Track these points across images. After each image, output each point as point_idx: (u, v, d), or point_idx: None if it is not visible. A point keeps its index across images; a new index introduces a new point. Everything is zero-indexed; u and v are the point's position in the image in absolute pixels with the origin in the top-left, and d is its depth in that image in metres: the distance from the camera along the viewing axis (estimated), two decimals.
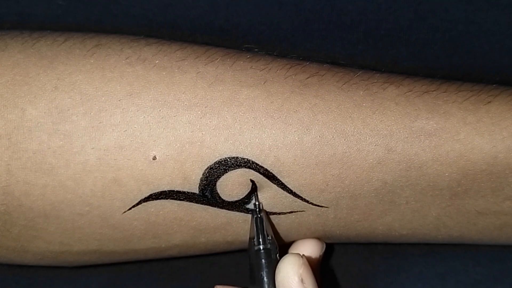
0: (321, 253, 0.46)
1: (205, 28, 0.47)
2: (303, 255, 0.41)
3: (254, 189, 0.42)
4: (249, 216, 0.43)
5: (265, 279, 0.41)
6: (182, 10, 0.46)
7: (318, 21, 0.46)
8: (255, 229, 0.43)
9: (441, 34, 0.46)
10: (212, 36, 0.47)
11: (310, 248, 0.46)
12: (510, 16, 0.46)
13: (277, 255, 0.42)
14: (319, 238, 0.46)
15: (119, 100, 0.41)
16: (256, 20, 0.46)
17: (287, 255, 0.41)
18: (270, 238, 0.43)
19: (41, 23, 0.47)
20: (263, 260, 0.42)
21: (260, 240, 0.42)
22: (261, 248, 0.42)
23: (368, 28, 0.46)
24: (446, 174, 0.42)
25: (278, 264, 0.41)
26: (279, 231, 0.45)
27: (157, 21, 0.47)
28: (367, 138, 0.41)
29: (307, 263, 0.41)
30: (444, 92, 0.43)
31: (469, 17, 0.46)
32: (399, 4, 0.45)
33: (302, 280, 0.40)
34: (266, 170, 0.41)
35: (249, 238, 0.43)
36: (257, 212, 0.43)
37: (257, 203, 0.43)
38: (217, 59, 0.43)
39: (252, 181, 0.42)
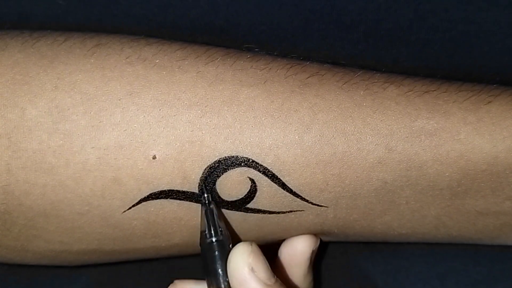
0: (314, 248, 0.46)
1: (205, 28, 0.47)
2: (252, 242, 0.41)
3: (253, 190, 0.42)
4: (249, 215, 0.43)
5: (220, 271, 0.41)
6: (182, 10, 0.46)
7: (318, 21, 0.46)
8: (205, 221, 0.42)
9: (441, 34, 0.46)
10: (212, 36, 0.47)
11: (302, 243, 0.46)
12: (510, 16, 0.46)
13: (230, 245, 0.42)
14: (314, 234, 0.46)
15: (119, 100, 0.41)
16: (256, 20, 0.46)
17: (237, 244, 0.41)
18: (221, 229, 0.42)
19: (41, 23, 0.47)
20: (216, 252, 0.41)
21: (212, 232, 0.42)
22: (214, 240, 0.41)
23: (368, 28, 0.46)
24: (446, 174, 0.42)
25: (229, 255, 0.41)
26: (278, 230, 0.45)
27: (157, 21, 0.47)
28: (368, 138, 0.41)
29: (257, 250, 0.41)
30: (445, 92, 0.43)
31: (469, 17, 0.46)
32: (399, 4, 0.45)
33: (252, 269, 0.40)
34: (266, 168, 0.41)
35: (200, 232, 0.42)
36: (207, 204, 0.42)
37: (205, 195, 0.42)
38: (217, 58, 0.43)
39: (251, 179, 0.42)
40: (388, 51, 0.47)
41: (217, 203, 0.43)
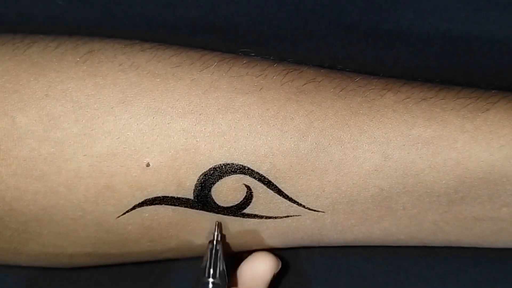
0: (275, 271, 0.45)
1: (205, 29, 0.47)
2: None
3: (249, 196, 0.42)
4: (246, 220, 0.43)
5: None
6: (181, 10, 0.46)
7: (318, 21, 0.46)
8: (208, 260, 0.42)
9: (441, 34, 0.46)
10: (212, 36, 0.46)
11: (263, 265, 0.45)
12: (510, 16, 0.45)
13: None
14: (277, 255, 0.46)
15: (112, 108, 0.40)
16: (256, 20, 0.46)
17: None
18: (221, 270, 0.42)
19: (40, 23, 0.47)
20: None
21: (211, 272, 0.42)
22: (210, 282, 0.42)
23: (368, 28, 0.46)
24: (443, 182, 0.42)
25: None
26: (276, 234, 0.45)
27: (156, 21, 0.47)
28: (364, 146, 0.41)
29: None
30: (442, 99, 0.42)
31: (469, 17, 0.45)
32: (399, 4, 0.45)
33: None
34: (262, 175, 0.41)
35: (201, 267, 0.43)
36: (214, 244, 0.43)
37: (215, 234, 0.43)
38: (212, 65, 0.42)
39: (247, 186, 0.42)
40: (388, 51, 0.47)
41: (213, 208, 0.42)
